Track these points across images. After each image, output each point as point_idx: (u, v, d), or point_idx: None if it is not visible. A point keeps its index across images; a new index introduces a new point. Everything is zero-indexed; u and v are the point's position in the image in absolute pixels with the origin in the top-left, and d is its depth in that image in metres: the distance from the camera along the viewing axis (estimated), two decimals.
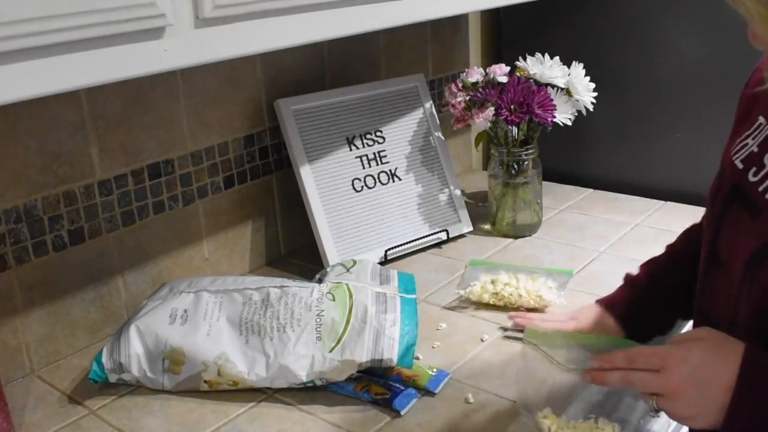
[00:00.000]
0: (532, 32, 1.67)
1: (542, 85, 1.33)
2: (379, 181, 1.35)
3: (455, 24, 1.69)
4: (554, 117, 1.32)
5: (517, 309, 1.13)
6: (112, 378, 0.97)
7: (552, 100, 1.31)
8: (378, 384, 0.95)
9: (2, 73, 0.62)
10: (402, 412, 0.91)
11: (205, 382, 0.96)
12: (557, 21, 1.61)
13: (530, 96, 1.30)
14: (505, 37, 1.73)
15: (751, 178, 0.75)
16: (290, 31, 0.87)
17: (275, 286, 1.01)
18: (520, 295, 1.13)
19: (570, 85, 1.35)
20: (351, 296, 0.98)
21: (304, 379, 0.93)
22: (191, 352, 0.95)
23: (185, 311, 0.98)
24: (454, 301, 1.18)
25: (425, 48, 1.61)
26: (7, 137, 0.98)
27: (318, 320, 0.95)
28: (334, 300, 0.97)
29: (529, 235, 1.42)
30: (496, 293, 1.15)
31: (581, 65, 1.37)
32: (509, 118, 1.30)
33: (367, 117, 1.37)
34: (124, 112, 1.10)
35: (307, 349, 0.94)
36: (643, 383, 0.74)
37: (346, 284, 1.00)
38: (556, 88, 1.34)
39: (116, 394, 0.98)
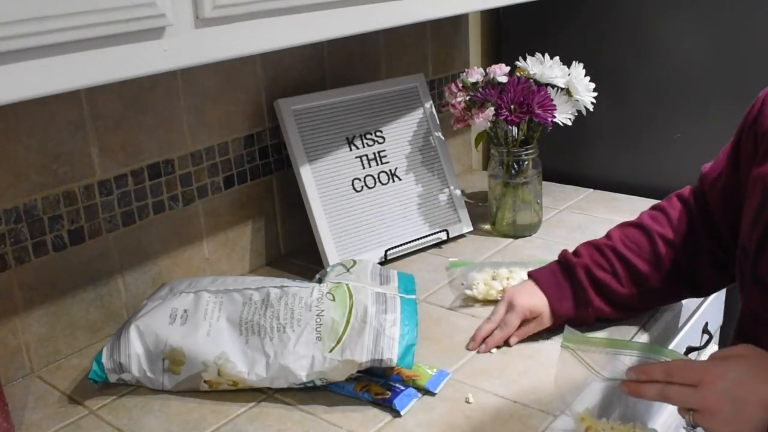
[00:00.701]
0: (532, 32, 1.67)
1: (542, 85, 1.33)
2: (379, 181, 1.35)
3: (455, 24, 1.69)
4: (554, 117, 1.32)
5: None
6: (112, 378, 0.97)
7: (552, 100, 1.31)
8: (378, 384, 0.95)
9: (2, 73, 0.62)
10: (402, 412, 0.91)
11: (205, 382, 0.96)
12: (557, 21, 1.61)
13: (530, 96, 1.30)
14: (505, 37, 1.73)
15: None
16: (290, 31, 0.87)
17: (275, 286, 1.01)
18: None
19: (570, 85, 1.35)
20: (351, 296, 0.98)
21: (304, 379, 0.93)
22: (191, 352, 0.95)
23: (185, 311, 0.98)
24: (457, 301, 1.18)
25: (425, 48, 1.61)
26: (7, 137, 0.98)
27: (318, 320, 0.95)
28: (334, 300, 0.97)
29: (529, 235, 1.42)
30: (504, 288, 1.15)
31: (581, 65, 1.37)
32: (509, 118, 1.30)
33: (367, 117, 1.37)
34: (124, 112, 1.10)
35: (307, 349, 0.94)
36: (680, 398, 0.73)
37: (346, 284, 1.00)
38: (556, 88, 1.34)
39: (116, 394, 0.98)
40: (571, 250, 1.08)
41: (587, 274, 1.03)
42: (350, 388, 0.95)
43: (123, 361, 0.96)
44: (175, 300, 1.00)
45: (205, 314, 0.98)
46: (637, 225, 1.06)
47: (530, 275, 1.08)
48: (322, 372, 0.93)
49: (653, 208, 1.08)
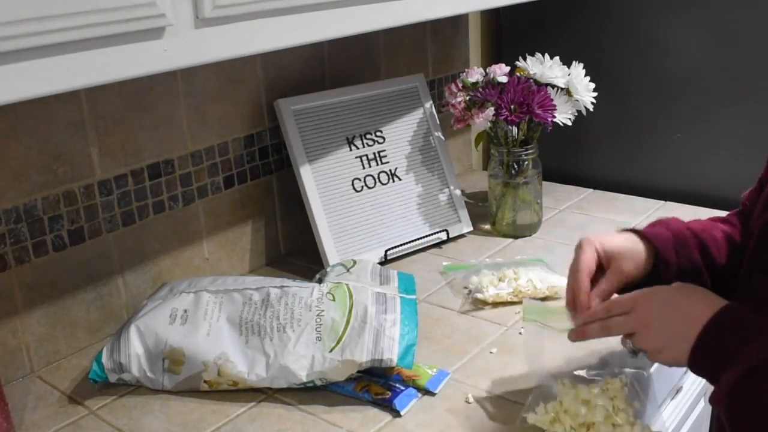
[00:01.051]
0: (532, 32, 1.67)
1: (542, 85, 1.33)
2: (379, 181, 1.35)
3: (455, 24, 1.69)
4: (554, 117, 1.32)
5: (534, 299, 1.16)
6: (112, 378, 0.97)
7: (552, 100, 1.31)
8: (378, 384, 0.95)
9: (2, 73, 0.62)
10: (402, 412, 0.91)
11: (205, 382, 0.96)
12: (557, 21, 1.61)
13: (530, 96, 1.30)
14: (505, 37, 1.73)
15: None
16: (290, 31, 0.87)
17: (275, 286, 1.01)
18: (536, 287, 1.14)
19: (570, 85, 1.35)
20: (351, 296, 0.98)
21: (304, 379, 0.93)
22: (191, 352, 0.95)
23: (185, 311, 0.98)
24: (466, 304, 1.18)
25: (425, 48, 1.61)
26: (7, 137, 0.98)
27: (318, 320, 0.95)
28: (334, 300, 0.97)
29: (529, 235, 1.42)
30: (515, 290, 1.15)
31: (581, 65, 1.37)
32: (509, 118, 1.30)
33: (367, 117, 1.37)
34: (124, 112, 1.10)
35: (307, 349, 0.94)
36: (618, 325, 0.81)
37: (346, 284, 1.00)
38: (556, 88, 1.34)
39: (116, 394, 0.98)
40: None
41: (686, 227, 0.91)
42: (350, 388, 0.95)
43: (123, 361, 0.96)
44: (175, 300, 1.01)
45: (205, 314, 0.98)
46: (707, 220, 0.96)
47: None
48: (322, 372, 0.93)
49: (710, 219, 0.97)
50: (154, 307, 1.00)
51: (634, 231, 0.91)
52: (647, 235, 0.89)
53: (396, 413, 0.91)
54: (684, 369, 0.92)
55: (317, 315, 0.95)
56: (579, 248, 0.89)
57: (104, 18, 0.68)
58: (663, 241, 0.89)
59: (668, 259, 0.88)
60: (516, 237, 1.41)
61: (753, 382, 0.68)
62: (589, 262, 0.87)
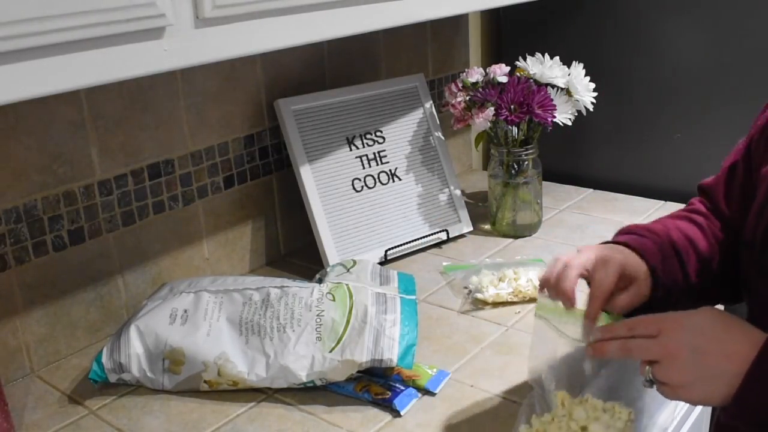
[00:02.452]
0: (532, 32, 1.67)
1: (542, 85, 1.33)
2: (379, 181, 1.35)
3: (455, 24, 1.69)
4: (554, 117, 1.32)
5: (534, 300, 1.15)
6: (112, 378, 0.97)
7: (552, 100, 1.31)
8: (378, 384, 0.95)
9: (2, 73, 0.62)
10: (402, 412, 0.91)
11: (205, 382, 0.96)
12: (557, 21, 1.61)
13: (530, 96, 1.30)
14: (505, 37, 1.73)
15: None
16: (290, 31, 0.87)
17: (275, 286, 1.01)
18: (536, 287, 1.15)
19: (570, 85, 1.35)
20: (351, 296, 0.98)
21: (304, 379, 0.93)
22: (191, 352, 0.95)
23: (185, 311, 0.98)
24: (466, 304, 1.18)
25: (425, 48, 1.61)
26: (7, 137, 0.98)
27: (318, 320, 0.95)
28: (334, 300, 0.97)
29: (529, 235, 1.42)
30: (515, 290, 1.16)
31: (581, 65, 1.37)
32: (509, 118, 1.30)
33: (367, 117, 1.37)
34: (124, 112, 1.10)
35: (307, 349, 0.94)
36: (641, 349, 0.72)
37: (346, 284, 1.00)
38: (556, 88, 1.34)
39: (116, 394, 0.98)
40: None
41: (668, 239, 0.87)
42: (350, 388, 0.95)
43: (123, 361, 0.96)
44: (175, 300, 1.01)
45: (205, 314, 0.98)
46: (682, 217, 0.92)
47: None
48: (322, 372, 0.93)
49: (684, 212, 0.93)
50: (154, 307, 1.00)
51: (626, 245, 0.86)
52: (644, 254, 0.85)
53: (396, 413, 0.91)
54: None
55: (317, 315, 0.95)
56: (566, 267, 0.83)
57: (104, 18, 0.68)
58: (656, 260, 0.84)
59: (664, 281, 0.84)
60: (516, 237, 1.41)
61: None
62: (571, 278, 0.82)
